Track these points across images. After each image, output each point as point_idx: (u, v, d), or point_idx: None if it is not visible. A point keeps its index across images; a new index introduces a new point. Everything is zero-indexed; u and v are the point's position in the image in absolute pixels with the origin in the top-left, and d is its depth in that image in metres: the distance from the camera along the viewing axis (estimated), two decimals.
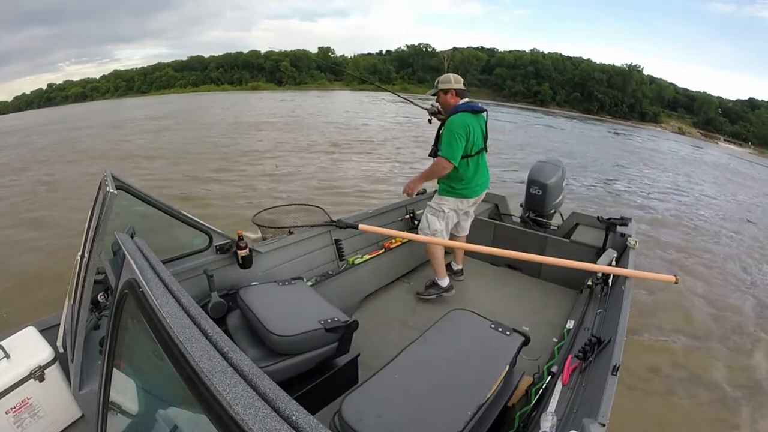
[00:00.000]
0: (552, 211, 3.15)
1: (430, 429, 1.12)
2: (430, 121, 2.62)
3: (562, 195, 3.16)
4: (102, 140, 13.59)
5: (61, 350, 1.38)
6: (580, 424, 1.06)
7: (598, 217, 2.84)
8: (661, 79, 57.38)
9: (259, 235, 2.39)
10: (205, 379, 0.48)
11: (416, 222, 3.12)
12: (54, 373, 1.35)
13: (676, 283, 1.97)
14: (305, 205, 2.62)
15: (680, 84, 60.43)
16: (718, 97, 55.96)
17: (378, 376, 1.28)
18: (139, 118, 20.82)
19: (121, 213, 1.39)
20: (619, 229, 2.69)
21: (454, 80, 2.37)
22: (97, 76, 71.39)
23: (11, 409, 1.26)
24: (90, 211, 1.42)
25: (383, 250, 2.79)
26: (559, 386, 1.51)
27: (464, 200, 2.47)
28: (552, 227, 3.14)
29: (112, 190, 1.13)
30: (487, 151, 2.46)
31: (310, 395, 1.55)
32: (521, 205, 3.31)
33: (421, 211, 3.22)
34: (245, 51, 68.39)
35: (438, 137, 2.41)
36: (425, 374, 1.31)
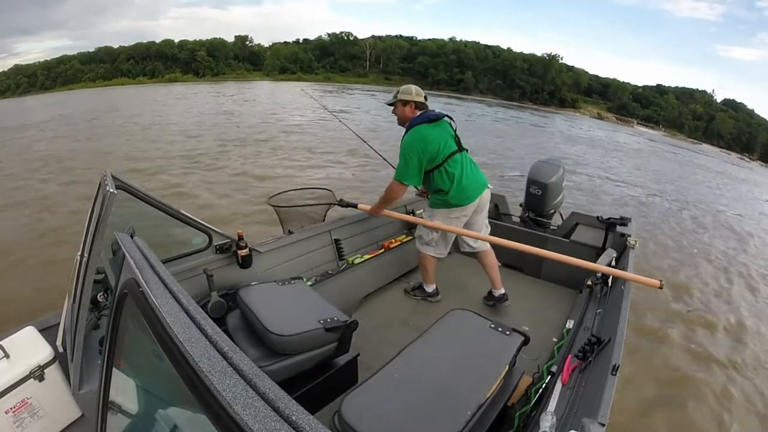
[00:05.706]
0: (552, 211, 3.16)
1: (430, 429, 1.12)
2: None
3: (561, 195, 3.16)
4: None
5: (61, 350, 1.38)
6: (580, 424, 1.06)
7: (597, 217, 2.85)
8: (574, 66, 59.05)
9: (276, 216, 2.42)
10: (205, 379, 0.48)
11: None
12: (54, 372, 1.34)
13: (660, 288, 1.79)
14: (317, 188, 2.63)
15: (591, 71, 61.64)
16: (627, 83, 58.30)
17: (378, 376, 1.27)
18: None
19: (120, 212, 1.39)
20: (619, 229, 2.69)
21: (415, 92, 2.23)
22: None
23: (11, 408, 1.25)
24: (90, 211, 1.42)
25: (383, 249, 2.79)
26: (558, 386, 1.51)
27: (455, 209, 2.30)
28: (552, 227, 3.15)
29: (111, 190, 1.12)
30: (467, 150, 2.31)
31: (310, 395, 1.55)
32: (521, 205, 3.32)
33: (421, 210, 3.23)
34: (157, 41, 62.20)
35: None
36: (425, 374, 1.31)
